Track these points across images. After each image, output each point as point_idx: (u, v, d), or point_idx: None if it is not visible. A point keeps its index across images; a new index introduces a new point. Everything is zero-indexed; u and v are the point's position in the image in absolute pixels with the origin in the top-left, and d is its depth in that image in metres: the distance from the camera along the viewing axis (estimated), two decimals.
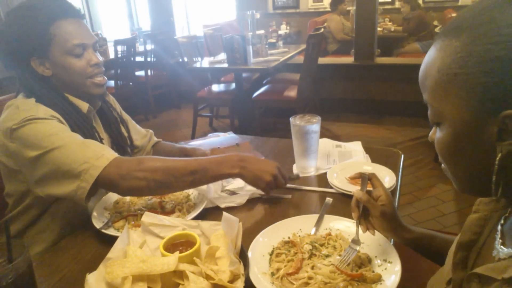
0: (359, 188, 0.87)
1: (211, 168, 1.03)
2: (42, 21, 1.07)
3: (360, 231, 0.85)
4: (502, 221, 0.59)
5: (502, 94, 0.46)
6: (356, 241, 0.84)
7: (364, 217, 0.86)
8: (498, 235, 0.58)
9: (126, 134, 1.36)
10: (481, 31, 0.47)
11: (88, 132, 1.14)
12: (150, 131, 1.49)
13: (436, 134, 0.56)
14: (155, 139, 1.49)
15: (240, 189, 1.21)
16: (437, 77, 0.51)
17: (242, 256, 0.85)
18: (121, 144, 1.32)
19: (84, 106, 1.17)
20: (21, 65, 1.10)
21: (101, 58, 1.18)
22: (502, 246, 0.56)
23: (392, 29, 5.73)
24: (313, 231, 0.96)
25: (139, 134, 1.44)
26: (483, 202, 0.64)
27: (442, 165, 0.59)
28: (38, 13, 1.07)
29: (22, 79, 1.12)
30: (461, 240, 0.63)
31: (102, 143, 1.16)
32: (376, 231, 0.85)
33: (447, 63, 0.50)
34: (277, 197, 1.18)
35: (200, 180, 1.04)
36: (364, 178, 0.87)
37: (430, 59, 0.53)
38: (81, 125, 1.13)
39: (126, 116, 1.43)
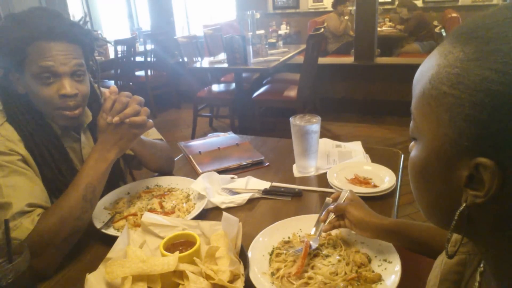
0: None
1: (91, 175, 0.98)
2: (24, 37, 0.98)
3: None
4: (481, 267, 0.52)
5: (484, 137, 0.37)
6: (316, 240, 0.91)
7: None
8: (476, 287, 0.52)
9: None
10: (490, 49, 0.37)
11: (56, 156, 1.07)
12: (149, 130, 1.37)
13: (413, 151, 0.47)
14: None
15: (240, 189, 1.21)
16: (426, 87, 0.42)
17: (242, 256, 0.85)
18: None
19: (55, 127, 1.10)
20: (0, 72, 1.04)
21: (76, 91, 1.04)
22: None
23: (393, 26, 5.72)
24: (313, 231, 0.96)
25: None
26: (459, 243, 0.55)
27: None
28: (23, 27, 0.99)
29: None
30: None
31: (76, 169, 1.10)
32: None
33: (441, 76, 0.40)
34: (279, 195, 1.18)
35: (93, 192, 0.98)
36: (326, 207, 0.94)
37: (428, 62, 0.44)
38: (50, 147, 1.06)
39: None
